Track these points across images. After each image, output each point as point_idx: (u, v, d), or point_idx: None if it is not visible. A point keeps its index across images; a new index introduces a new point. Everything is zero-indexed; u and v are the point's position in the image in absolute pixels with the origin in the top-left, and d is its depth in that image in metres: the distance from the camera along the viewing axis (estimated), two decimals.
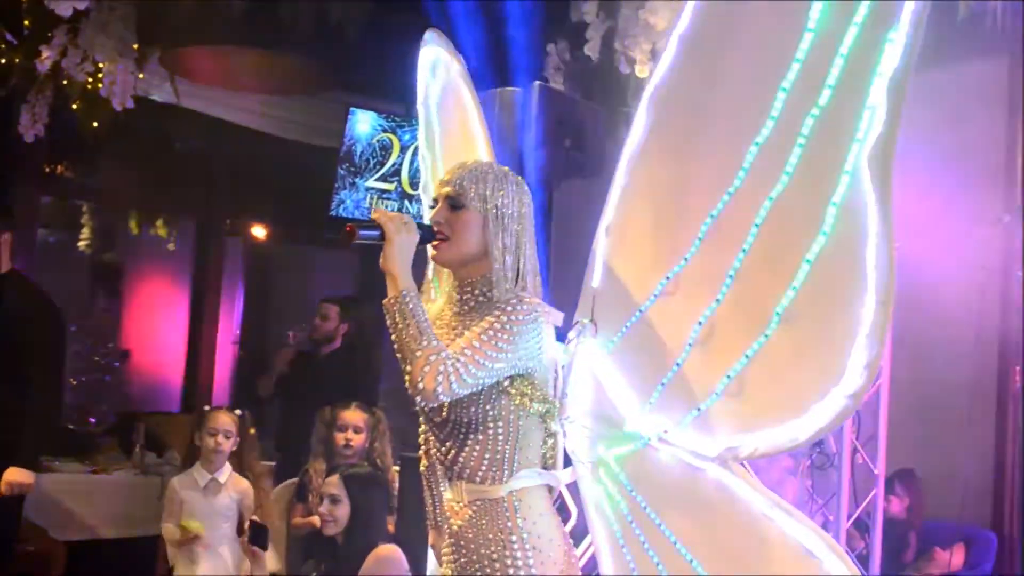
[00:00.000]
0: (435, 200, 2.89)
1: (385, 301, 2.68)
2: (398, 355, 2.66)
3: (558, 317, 2.89)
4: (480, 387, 2.70)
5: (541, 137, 5.05)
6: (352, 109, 7.72)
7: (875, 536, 6.46)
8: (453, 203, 2.82)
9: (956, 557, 6.69)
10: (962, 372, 7.25)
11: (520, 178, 2.92)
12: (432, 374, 2.57)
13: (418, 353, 2.60)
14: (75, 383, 8.92)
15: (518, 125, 5.13)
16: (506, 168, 2.93)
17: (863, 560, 6.45)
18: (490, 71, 5.48)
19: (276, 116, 8.36)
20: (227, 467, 5.35)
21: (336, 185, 7.75)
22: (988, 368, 6.66)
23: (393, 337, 2.66)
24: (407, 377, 2.62)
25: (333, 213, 7.80)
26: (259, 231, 11.29)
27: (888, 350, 6.53)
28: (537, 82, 5.26)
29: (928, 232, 6.90)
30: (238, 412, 5.68)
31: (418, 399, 2.63)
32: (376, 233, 2.69)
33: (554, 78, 6.57)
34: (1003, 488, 5.41)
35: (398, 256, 2.69)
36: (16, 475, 5.06)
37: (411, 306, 2.65)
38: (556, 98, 5.14)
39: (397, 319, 2.65)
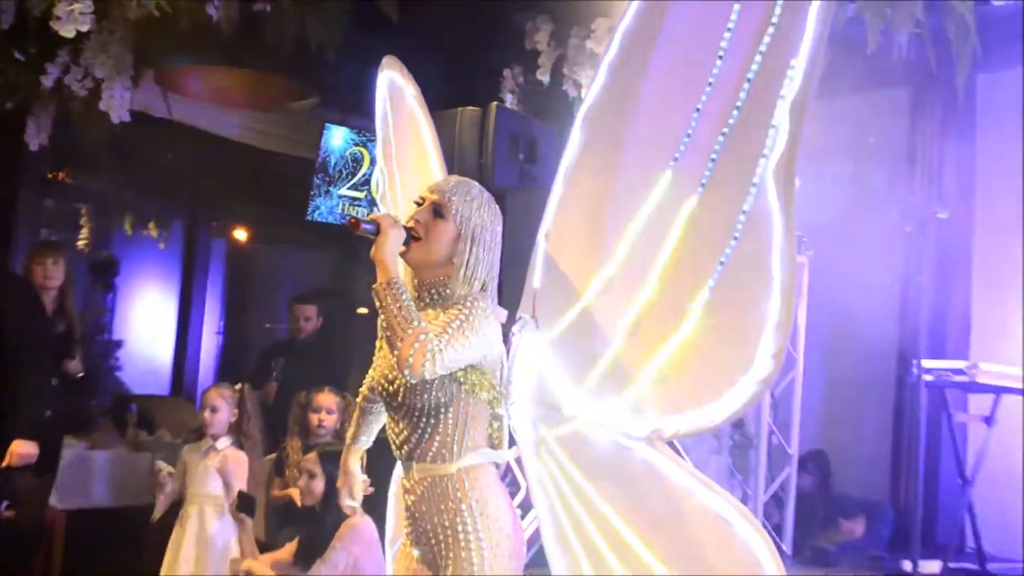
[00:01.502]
0: (421, 199, 2.91)
1: (376, 285, 2.69)
2: (387, 334, 2.67)
3: (503, 314, 2.90)
4: (446, 371, 2.71)
5: (497, 151, 5.07)
6: (327, 125, 7.71)
7: (788, 509, 6.53)
8: (436, 210, 2.84)
9: (858, 527, 6.76)
10: (867, 365, 7.32)
11: (496, 205, 2.94)
12: (420, 352, 2.58)
13: (409, 331, 2.61)
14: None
15: (477, 140, 5.15)
16: (488, 193, 2.94)
17: (778, 530, 6.51)
18: (453, 93, 5.50)
19: (258, 130, 8.32)
20: (226, 439, 5.33)
21: (312, 193, 7.75)
22: (890, 361, 6.74)
23: (382, 317, 2.68)
24: (396, 353, 2.63)
25: (309, 218, 7.79)
26: (241, 233, 11.28)
27: (802, 345, 6.60)
28: (494, 103, 5.27)
29: (841, 241, 6.98)
30: (237, 386, 5.69)
31: (405, 373, 2.63)
32: (373, 227, 2.74)
33: (510, 99, 6.59)
34: (900, 467, 5.47)
35: (389, 247, 2.72)
36: (22, 447, 5.05)
37: (399, 290, 2.67)
38: (511, 117, 5.16)
39: (388, 302, 2.66)
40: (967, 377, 5.92)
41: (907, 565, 5.35)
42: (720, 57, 2.50)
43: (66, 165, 8.86)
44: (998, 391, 6.11)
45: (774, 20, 2.42)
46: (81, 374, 5.84)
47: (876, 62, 5.14)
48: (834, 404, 7.50)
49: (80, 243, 10.82)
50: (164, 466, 5.35)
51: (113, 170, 8.76)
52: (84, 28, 5.54)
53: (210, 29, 5.55)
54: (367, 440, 3.34)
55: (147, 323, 11.59)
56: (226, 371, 10.77)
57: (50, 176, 8.86)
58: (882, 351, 6.94)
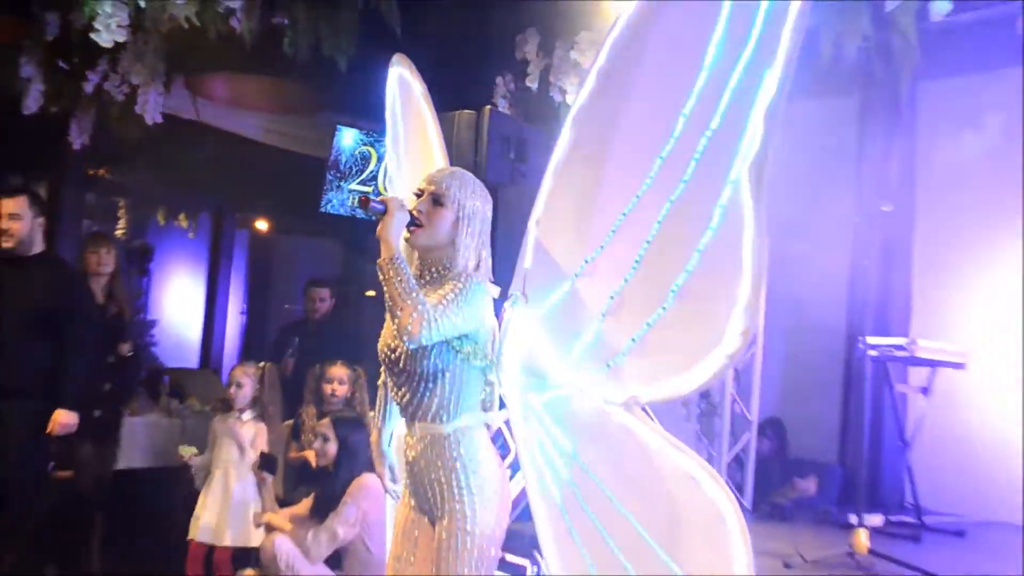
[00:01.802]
0: (420, 191, 2.91)
1: (380, 260, 2.70)
2: (389, 304, 2.68)
3: (495, 290, 2.91)
4: (442, 339, 2.73)
5: (490, 150, 5.07)
6: (339, 126, 7.68)
7: (749, 469, 6.57)
8: (435, 199, 2.85)
9: (811, 485, 6.80)
10: (819, 342, 7.35)
11: (486, 190, 2.96)
12: (418, 320, 2.61)
13: (408, 301, 2.63)
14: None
15: (473, 140, 5.16)
16: (478, 180, 2.96)
17: (740, 488, 6.54)
18: (451, 97, 5.49)
19: (277, 131, 8.29)
20: (249, 412, 5.38)
21: (325, 187, 7.71)
22: (839, 338, 6.76)
23: (385, 289, 2.69)
24: (396, 321, 2.65)
25: (322, 210, 7.78)
26: (262, 224, 11.29)
27: (763, 323, 6.62)
28: (488, 107, 5.27)
29: (797, 232, 7.00)
30: (260, 364, 5.73)
31: (404, 339, 2.65)
32: (382, 208, 2.75)
33: (502, 104, 6.59)
34: (848, 432, 5.51)
35: (394, 227, 2.73)
36: (63, 416, 5.03)
37: (401, 265, 2.68)
38: (503, 120, 5.15)
39: (391, 275, 2.67)
40: (907, 352, 5.95)
41: (853, 518, 5.38)
42: (703, 68, 2.50)
43: (105, 162, 8.82)
44: (934, 365, 6.15)
45: (752, 35, 2.43)
46: (131, 352, 5.84)
47: (829, 71, 5.15)
48: (790, 377, 7.53)
49: (118, 232, 10.80)
50: (186, 451, 5.42)
51: (147, 167, 8.75)
52: (121, 39, 5.51)
53: (234, 40, 5.53)
54: (393, 423, 3.29)
55: (178, 304, 11.59)
56: (249, 347, 10.78)
57: (91, 173, 8.83)
58: (832, 329, 6.98)
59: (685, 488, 2.59)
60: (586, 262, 2.77)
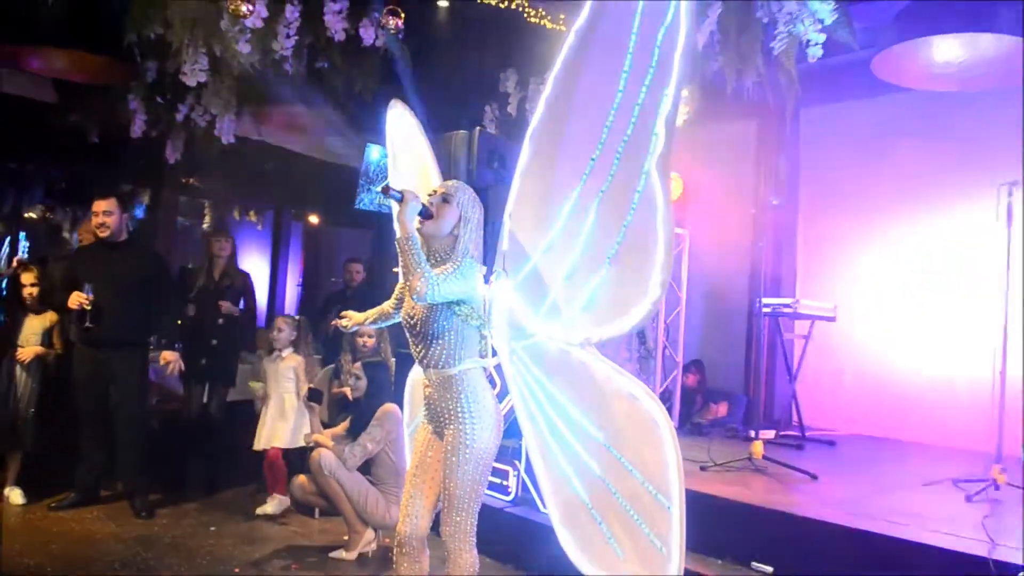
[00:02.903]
0: (434, 191, 2.92)
1: (398, 238, 2.72)
2: (404, 271, 2.71)
3: (483, 269, 2.92)
4: (443, 300, 2.75)
5: (480, 161, 5.06)
6: (368, 144, 7.65)
7: (676, 398, 6.61)
8: (445, 198, 2.86)
9: (722, 409, 6.85)
10: (729, 302, 7.38)
11: (480, 200, 2.95)
12: (425, 283, 2.65)
13: (418, 270, 2.66)
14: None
15: (466, 153, 5.14)
16: (475, 193, 2.95)
17: (669, 412, 6.58)
18: (450, 121, 5.48)
19: (321, 148, 8.30)
20: (288, 349, 5.35)
21: (358, 190, 7.69)
22: (743, 299, 6.80)
23: (401, 260, 2.71)
24: (408, 283, 2.68)
25: (357, 207, 7.75)
26: (313, 218, 11.22)
27: (685, 289, 6.65)
28: (478, 128, 5.25)
29: (712, 220, 7.03)
30: (296, 317, 5.72)
31: (414, 297, 2.67)
32: (399, 196, 2.75)
33: (489, 126, 6.57)
34: (750, 369, 5.54)
35: (408, 213, 2.74)
36: (170, 355, 5.11)
37: (414, 243, 2.70)
38: (489, 138, 5.11)
39: (406, 249, 2.69)
40: (792, 309, 6.00)
41: (751, 433, 5.43)
42: (620, 91, 2.51)
43: (194, 173, 8.79)
44: (812, 318, 6.21)
45: (652, 64, 2.44)
46: (240, 313, 5.79)
47: (732, 101, 5.14)
48: (708, 328, 7.57)
49: (204, 226, 10.78)
50: (255, 385, 5.39)
51: (226, 176, 8.69)
52: (202, 80, 5.49)
53: (287, 80, 5.51)
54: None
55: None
56: (303, 309, 10.74)
57: (184, 181, 8.79)
58: (738, 292, 7.01)
59: (628, 404, 2.60)
60: (545, 243, 2.77)
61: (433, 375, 2.89)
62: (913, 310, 6.53)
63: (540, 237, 2.79)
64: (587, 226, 2.63)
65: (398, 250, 2.72)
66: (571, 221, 2.68)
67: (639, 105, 2.46)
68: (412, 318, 2.89)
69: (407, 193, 2.77)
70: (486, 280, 2.97)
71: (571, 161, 2.68)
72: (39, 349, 5.11)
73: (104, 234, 4.98)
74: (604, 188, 2.58)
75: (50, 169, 8.74)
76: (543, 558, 3.72)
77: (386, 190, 2.77)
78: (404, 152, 3.74)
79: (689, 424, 6.55)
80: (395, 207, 2.79)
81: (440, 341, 2.83)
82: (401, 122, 3.75)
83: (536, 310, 2.83)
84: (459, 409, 2.83)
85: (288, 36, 5.17)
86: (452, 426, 2.83)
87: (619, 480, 2.62)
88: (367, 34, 5.21)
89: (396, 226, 2.73)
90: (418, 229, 2.83)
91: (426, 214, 2.83)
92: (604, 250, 2.57)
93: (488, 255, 3.02)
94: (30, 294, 5.16)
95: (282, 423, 5.24)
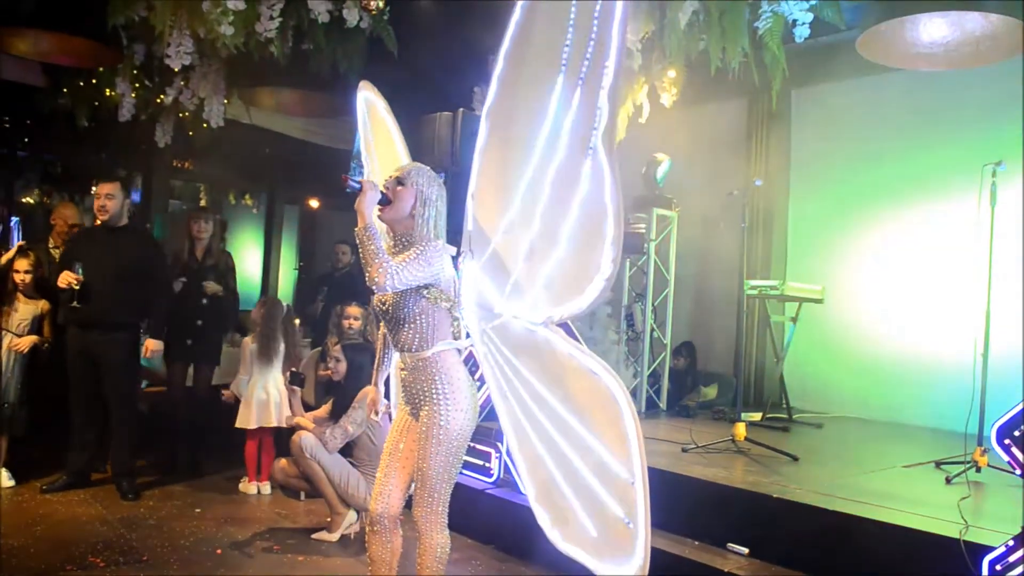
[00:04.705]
0: (389, 178, 2.88)
1: (356, 229, 2.67)
2: (363, 260, 2.66)
3: (451, 250, 2.89)
4: (407, 288, 2.72)
5: (463, 140, 5.06)
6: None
7: (664, 380, 6.60)
8: (399, 181, 2.84)
9: (711, 391, 6.84)
10: (718, 283, 7.36)
11: (440, 180, 2.91)
12: (383, 273, 2.60)
13: (376, 261, 2.61)
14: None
15: (451, 134, 5.15)
16: (433, 172, 2.91)
17: (658, 394, 6.58)
18: (436, 103, 5.46)
19: (312, 131, 8.25)
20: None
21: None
22: (732, 281, 6.74)
23: (360, 251, 2.66)
24: (368, 273, 2.63)
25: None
26: (313, 202, 11.23)
27: (673, 270, 6.62)
28: (461, 109, 5.24)
29: (701, 201, 6.99)
30: (285, 304, 5.74)
31: (373, 287, 2.64)
32: (358, 186, 2.72)
33: (477, 107, 6.52)
34: (739, 351, 5.50)
35: (367, 202, 2.70)
36: (154, 344, 5.10)
37: (372, 232, 2.65)
38: (472, 118, 5.11)
39: (364, 240, 2.64)
40: (779, 292, 5.97)
41: (734, 414, 5.42)
42: (563, 64, 2.48)
43: (188, 157, 8.78)
44: (800, 301, 6.17)
45: (592, 37, 2.41)
46: (220, 293, 5.77)
47: (719, 81, 5.08)
48: (697, 310, 7.56)
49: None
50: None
51: (220, 160, 8.67)
52: (187, 63, 5.46)
53: (274, 62, 5.46)
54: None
55: (245, 263, 11.53)
56: (301, 294, 10.72)
57: (176, 164, 8.78)
58: (727, 274, 6.97)
59: (589, 380, 2.60)
60: (504, 223, 2.75)
61: (407, 358, 2.87)
62: (901, 291, 6.49)
63: (501, 216, 2.77)
64: (542, 204, 2.60)
65: (356, 241, 2.68)
66: (527, 199, 2.66)
67: (582, 79, 2.43)
68: (383, 304, 2.88)
69: (365, 183, 2.74)
70: (454, 261, 2.95)
71: (524, 138, 2.65)
72: (34, 338, 5.10)
73: (104, 217, 4.98)
74: (555, 165, 2.55)
75: (43, 153, 8.74)
76: (525, 539, 3.72)
77: (345, 181, 2.74)
78: (377, 136, 3.73)
79: (677, 407, 6.53)
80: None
81: (411, 325, 2.82)
82: (369, 104, 3.72)
83: (501, 290, 2.82)
84: (433, 391, 2.81)
85: (271, 18, 5.12)
86: (426, 408, 2.82)
87: (585, 456, 2.63)
88: (350, 15, 5.15)
89: (358, 214, 2.68)
90: (378, 217, 2.81)
91: (385, 201, 2.80)
92: (559, 227, 2.55)
93: (458, 235, 3.00)
94: (23, 280, 5.15)
95: (263, 404, 5.31)
